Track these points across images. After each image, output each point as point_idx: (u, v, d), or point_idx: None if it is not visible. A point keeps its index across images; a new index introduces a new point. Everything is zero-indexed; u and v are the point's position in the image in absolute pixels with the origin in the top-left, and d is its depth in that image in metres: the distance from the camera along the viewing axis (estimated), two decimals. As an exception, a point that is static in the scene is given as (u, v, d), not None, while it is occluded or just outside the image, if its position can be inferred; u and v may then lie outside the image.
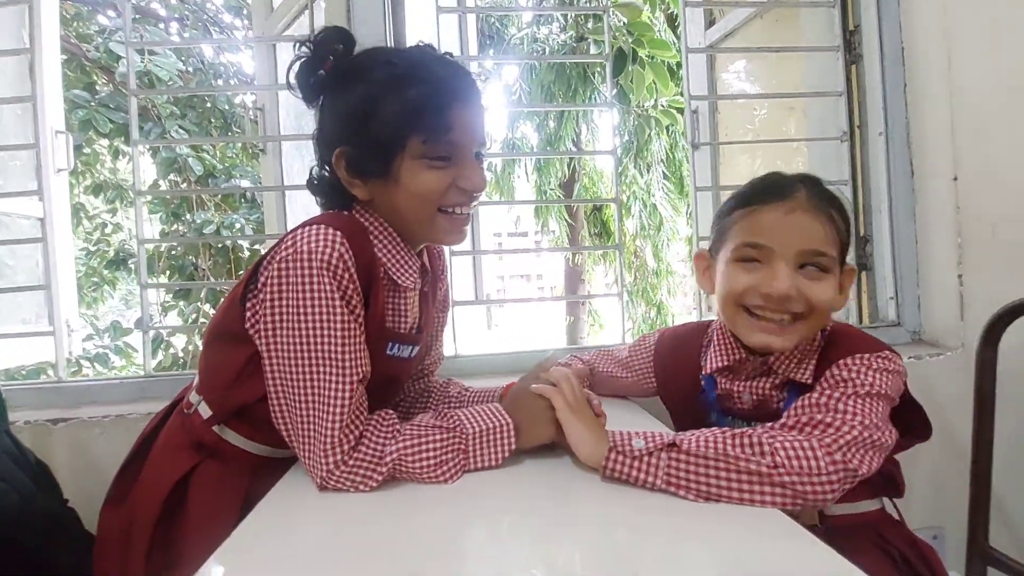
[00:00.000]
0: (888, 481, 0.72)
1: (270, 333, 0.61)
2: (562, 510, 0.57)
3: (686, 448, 0.56)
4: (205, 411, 0.71)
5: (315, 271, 0.59)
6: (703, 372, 0.75)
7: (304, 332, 0.60)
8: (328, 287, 0.60)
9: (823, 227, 0.65)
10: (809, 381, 0.67)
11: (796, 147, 1.50)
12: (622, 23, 3.75)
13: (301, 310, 0.60)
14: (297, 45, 0.68)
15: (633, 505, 0.56)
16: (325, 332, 0.60)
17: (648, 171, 5.32)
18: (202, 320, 3.06)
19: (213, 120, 3.51)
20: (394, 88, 0.64)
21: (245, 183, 3.45)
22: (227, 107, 3.54)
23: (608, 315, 6.51)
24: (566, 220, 5.98)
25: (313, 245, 0.60)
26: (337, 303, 0.60)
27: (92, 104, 2.90)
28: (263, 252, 0.69)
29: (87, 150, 3.71)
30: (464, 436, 0.63)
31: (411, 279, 0.71)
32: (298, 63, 0.68)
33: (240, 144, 3.73)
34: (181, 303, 3.23)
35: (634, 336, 1.00)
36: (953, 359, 1.11)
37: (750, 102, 1.66)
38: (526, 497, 0.60)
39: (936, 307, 1.17)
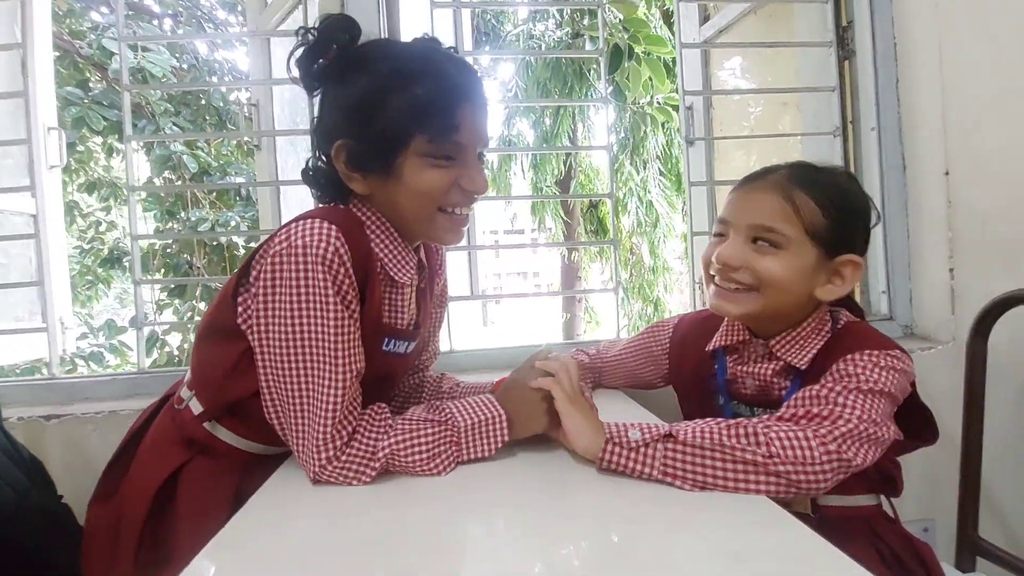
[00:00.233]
0: (886, 480, 0.72)
1: (263, 328, 0.61)
2: (556, 503, 0.58)
3: (682, 439, 0.57)
4: (196, 407, 0.70)
5: (309, 265, 0.59)
6: (708, 348, 0.77)
7: (298, 327, 0.59)
8: (322, 282, 0.59)
9: (778, 204, 0.66)
10: (805, 367, 0.67)
11: (790, 143, 1.51)
12: (618, 20, 3.75)
13: (295, 304, 0.59)
14: (302, 32, 0.66)
15: (627, 497, 0.56)
16: (319, 327, 0.59)
17: (644, 167, 5.32)
18: (197, 318, 3.05)
19: (208, 117, 3.49)
20: (401, 83, 0.63)
21: (240, 180, 3.43)
22: (221, 104, 3.52)
23: (604, 312, 6.52)
24: (562, 218, 5.98)
25: (308, 239, 0.59)
26: (331, 298, 0.59)
27: (85, 101, 2.88)
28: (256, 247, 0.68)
29: (80, 148, 3.69)
30: (456, 428, 0.64)
31: (408, 275, 0.71)
32: (300, 50, 0.66)
33: (235, 141, 3.71)
34: (176, 301, 3.22)
35: (630, 333, 1.00)
36: (944, 353, 1.12)
37: (745, 99, 1.67)
38: (520, 490, 0.60)
39: (927, 301, 1.17)
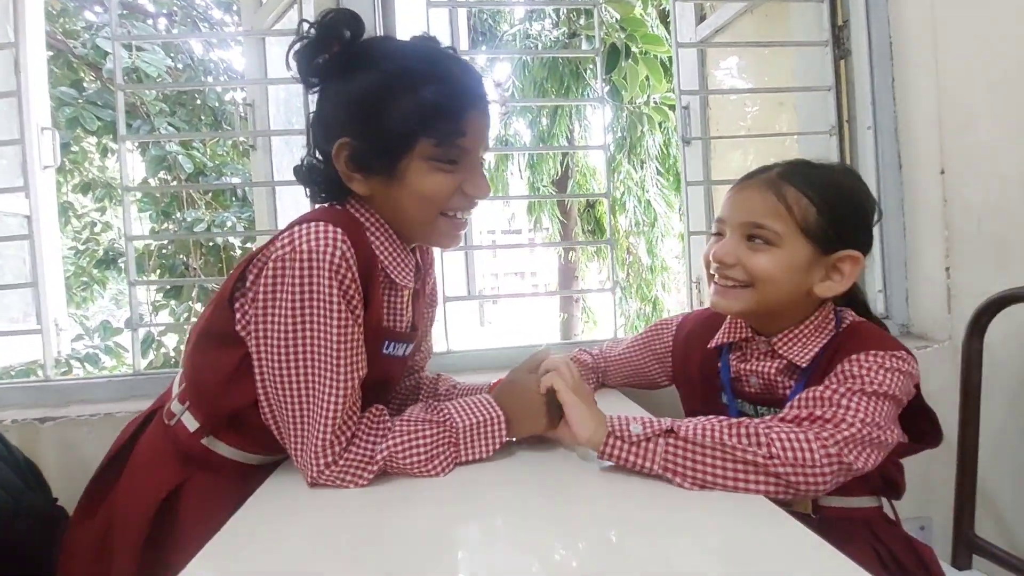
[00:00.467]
0: (888, 483, 0.72)
1: (262, 333, 0.59)
2: (555, 503, 0.58)
3: (683, 435, 0.57)
4: (191, 422, 0.67)
5: (314, 270, 0.58)
6: (710, 345, 0.77)
7: (300, 332, 0.58)
8: (327, 287, 0.58)
9: (768, 201, 0.67)
10: (806, 364, 0.67)
11: (786, 142, 1.51)
12: (614, 19, 3.76)
13: (298, 309, 0.58)
14: (304, 26, 0.64)
15: (626, 497, 0.56)
16: (322, 332, 0.58)
17: (642, 167, 5.32)
18: (194, 319, 3.03)
19: (203, 117, 3.48)
20: (409, 84, 0.62)
21: (236, 181, 3.42)
22: (217, 104, 3.51)
23: (601, 312, 6.52)
24: (558, 218, 5.98)
25: (314, 243, 0.58)
26: (335, 303, 0.58)
27: (80, 101, 2.87)
28: (253, 250, 0.67)
29: (75, 148, 3.67)
30: (455, 429, 0.63)
31: (407, 277, 0.70)
32: (300, 44, 0.64)
33: (230, 141, 3.70)
34: (172, 302, 3.21)
35: (627, 332, 1.00)
36: (940, 351, 1.12)
37: (741, 98, 1.67)
38: (519, 491, 0.60)
39: (924, 300, 1.18)
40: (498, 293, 4.49)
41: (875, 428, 0.57)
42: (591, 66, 4.68)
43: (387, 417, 0.64)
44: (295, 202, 1.44)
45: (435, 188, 0.65)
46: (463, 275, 1.59)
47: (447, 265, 1.18)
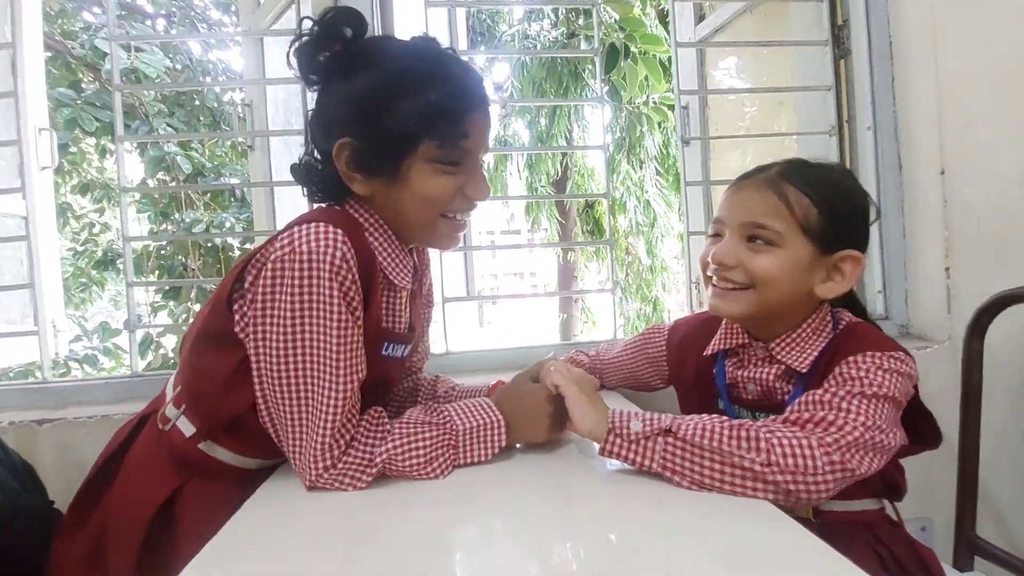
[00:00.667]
0: (889, 485, 0.71)
1: (260, 334, 0.59)
2: (555, 505, 0.57)
3: (682, 435, 0.57)
4: (187, 427, 0.66)
5: (314, 271, 0.57)
6: (706, 352, 0.76)
7: (300, 334, 0.58)
8: (328, 289, 0.58)
9: (769, 200, 0.65)
10: (805, 371, 0.66)
11: (786, 142, 1.51)
12: (614, 19, 3.76)
13: (297, 311, 0.57)
14: (306, 23, 0.64)
15: (626, 499, 0.56)
16: (322, 335, 0.58)
17: (641, 167, 5.32)
18: (192, 320, 3.03)
19: (201, 118, 3.48)
20: (412, 85, 0.61)
21: (234, 181, 3.42)
22: (215, 104, 3.50)
23: (601, 312, 6.52)
24: (557, 219, 5.97)
25: (314, 244, 0.58)
26: (336, 305, 0.58)
27: (78, 102, 2.86)
28: (251, 250, 0.66)
29: (73, 149, 3.66)
30: (454, 432, 0.63)
31: (406, 278, 0.70)
32: (302, 41, 0.63)
33: (229, 142, 3.69)
34: (171, 303, 3.20)
35: (627, 333, 1.00)
36: (940, 352, 1.12)
37: (740, 98, 1.67)
38: (519, 493, 0.60)
39: (924, 300, 1.18)
40: (497, 294, 4.49)
41: (877, 431, 0.56)
42: (590, 66, 4.67)
43: (386, 419, 0.64)
44: (294, 202, 1.43)
45: (437, 190, 0.65)
46: (462, 276, 1.58)
47: (446, 266, 1.18)
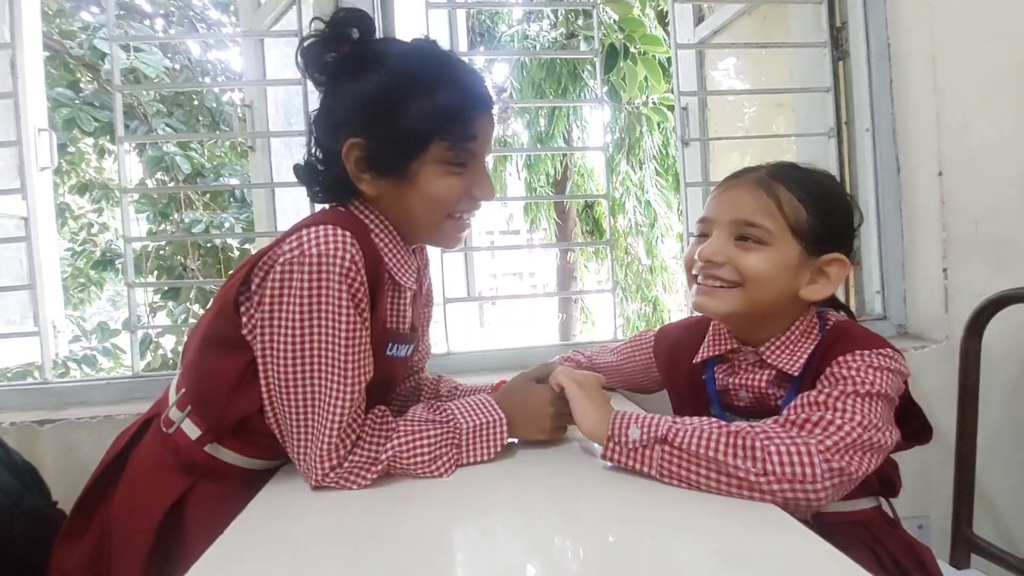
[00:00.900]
0: (884, 482, 0.71)
1: (268, 336, 0.59)
2: (558, 503, 0.58)
3: (678, 444, 0.57)
4: (191, 430, 0.66)
5: (323, 274, 0.58)
6: (695, 360, 0.75)
7: (308, 336, 0.58)
8: (337, 291, 0.58)
9: (760, 199, 0.65)
10: (797, 373, 0.66)
11: (784, 143, 1.52)
12: (613, 20, 3.76)
13: (307, 313, 0.58)
14: (315, 23, 0.64)
15: (627, 499, 0.57)
16: (330, 336, 0.58)
17: (641, 168, 5.33)
18: (192, 320, 3.03)
19: (201, 118, 3.47)
20: (424, 87, 0.62)
21: (234, 182, 3.41)
22: (215, 105, 3.50)
23: (600, 312, 6.53)
24: (555, 220, 5.98)
25: (323, 247, 0.58)
26: (345, 307, 0.58)
27: (76, 102, 2.86)
28: (254, 252, 0.67)
29: (72, 149, 3.66)
30: (458, 431, 0.64)
31: (411, 278, 0.70)
32: (311, 41, 0.64)
33: (228, 142, 3.69)
34: (170, 304, 3.19)
35: (627, 333, 1.00)
36: (938, 351, 1.12)
37: (739, 100, 1.67)
38: (522, 491, 0.60)
39: (921, 300, 1.18)
40: (498, 294, 4.49)
41: (873, 430, 0.57)
42: (589, 67, 4.68)
43: (390, 418, 0.64)
44: (294, 203, 1.44)
45: (445, 190, 0.66)
46: (463, 276, 1.59)
47: (447, 266, 1.18)
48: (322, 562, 0.48)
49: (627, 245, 5.71)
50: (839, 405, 0.58)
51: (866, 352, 0.62)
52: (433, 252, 0.87)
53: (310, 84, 1.10)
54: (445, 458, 0.63)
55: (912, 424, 0.68)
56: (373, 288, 0.63)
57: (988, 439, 0.96)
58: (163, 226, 3.38)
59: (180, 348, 3.20)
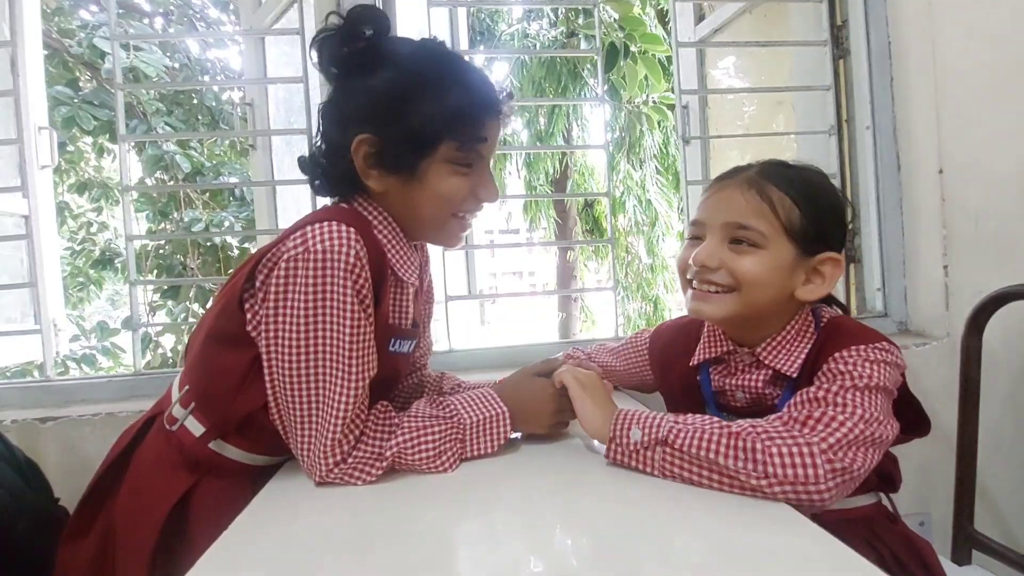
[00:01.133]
0: (884, 478, 0.70)
1: (272, 332, 0.59)
2: (563, 500, 0.58)
3: (679, 446, 0.57)
4: (195, 427, 0.67)
5: (328, 270, 0.58)
6: (691, 363, 0.75)
7: (313, 332, 0.58)
8: (341, 287, 0.58)
9: (752, 201, 0.64)
10: (795, 375, 0.66)
11: (785, 142, 1.52)
12: (613, 18, 3.76)
13: (311, 309, 0.58)
14: (330, 17, 0.65)
15: (629, 493, 0.57)
16: (335, 333, 0.58)
17: (641, 166, 5.34)
18: (192, 319, 3.03)
19: (200, 117, 3.46)
20: (438, 86, 0.63)
21: (235, 180, 3.41)
22: (214, 104, 3.49)
23: (600, 311, 6.53)
24: (555, 219, 5.98)
25: (328, 243, 0.58)
26: (349, 303, 0.59)
27: (76, 101, 2.85)
28: (256, 250, 0.67)
29: (71, 148, 3.65)
30: (461, 426, 0.64)
31: (414, 274, 0.71)
32: (326, 35, 0.65)
33: (228, 141, 3.68)
34: (170, 303, 3.19)
35: (627, 332, 1.00)
36: (939, 348, 1.13)
37: (739, 98, 1.68)
38: (526, 489, 0.60)
39: (922, 297, 1.19)
40: (500, 292, 4.51)
41: (875, 424, 0.56)
42: (589, 65, 4.68)
43: (393, 413, 0.65)
44: (295, 201, 1.44)
45: (452, 190, 0.66)
46: (464, 274, 1.59)
47: (449, 265, 1.18)
48: (326, 557, 0.48)
49: (628, 244, 5.72)
50: (839, 400, 0.57)
51: (862, 347, 0.62)
52: (434, 251, 0.87)
53: (312, 81, 1.10)
54: (449, 453, 0.63)
55: (910, 417, 0.68)
56: (376, 284, 0.63)
57: (989, 435, 0.96)
58: (163, 225, 3.38)
59: (180, 347, 3.21)
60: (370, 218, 0.68)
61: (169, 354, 3.24)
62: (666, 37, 3.81)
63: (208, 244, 3.17)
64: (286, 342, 0.59)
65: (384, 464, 0.60)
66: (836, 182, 1.25)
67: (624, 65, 3.47)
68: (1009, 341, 1.03)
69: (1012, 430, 1.07)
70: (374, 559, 0.47)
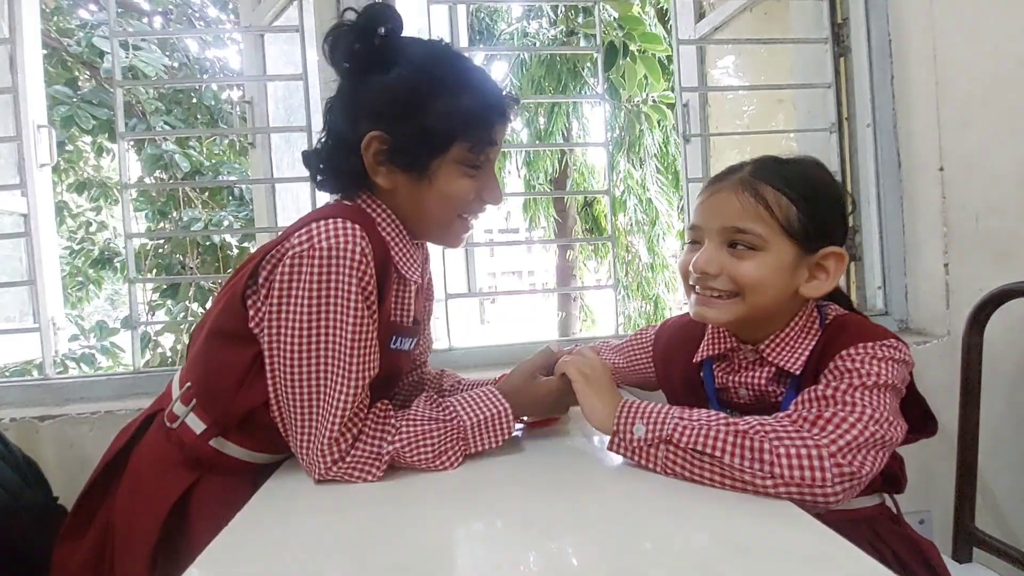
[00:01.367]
0: (889, 478, 0.70)
1: (275, 328, 0.59)
2: (564, 499, 0.58)
3: (684, 444, 0.57)
4: (196, 424, 0.66)
5: (333, 267, 0.58)
6: (695, 360, 0.74)
7: (316, 329, 0.58)
8: (347, 284, 0.58)
9: (746, 203, 0.63)
10: (799, 372, 0.65)
11: (785, 140, 1.52)
12: (612, 17, 3.76)
13: (315, 306, 0.58)
14: (346, 13, 0.65)
15: (637, 493, 0.57)
16: (338, 330, 0.58)
17: (641, 165, 5.34)
18: (191, 319, 3.02)
19: (199, 116, 3.46)
20: (452, 88, 0.64)
21: (235, 178, 3.40)
22: (213, 103, 3.49)
23: (600, 310, 6.53)
24: (554, 217, 5.98)
25: (334, 240, 0.58)
26: (355, 301, 0.59)
27: (74, 100, 2.84)
28: (260, 246, 0.66)
29: (69, 147, 3.64)
30: (462, 427, 0.64)
31: (417, 272, 0.71)
32: (341, 30, 0.65)
33: (227, 141, 3.68)
34: (168, 302, 3.18)
35: (627, 331, 1.00)
36: (939, 347, 1.13)
37: (740, 97, 1.67)
38: (528, 488, 0.60)
39: (923, 296, 1.19)
40: (500, 290, 4.53)
41: (885, 425, 0.55)
42: (589, 64, 4.68)
43: (392, 413, 0.64)
44: (295, 199, 1.43)
45: (460, 191, 0.67)
46: (464, 273, 1.59)
47: (449, 264, 1.18)
48: (326, 555, 0.47)
49: (628, 243, 5.72)
50: (848, 399, 0.56)
51: (869, 344, 0.61)
52: (434, 249, 0.87)
53: (312, 79, 1.10)
54: (449, 453, 0.63)
55: (917, 416, 0.67)
56: (380, 282, 0.63)
57: (990, 433, 0.96)
58: (162, 224, 3.37)
59: (179, 347, 3.21)
60: (374, 215, 0.68)
61: (168, 353, 3.24)
62: (666, 36, 3.81)
63: (207, 243, 3.17)
64: (288, 338, 0.59)
65: (383, 464, 0.60)
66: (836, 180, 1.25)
67: (623, 64, 3.47)
68: (1010, 338, 1.03)
69: (1013, 427, 1.07)
70: (373, 557, 0.47)
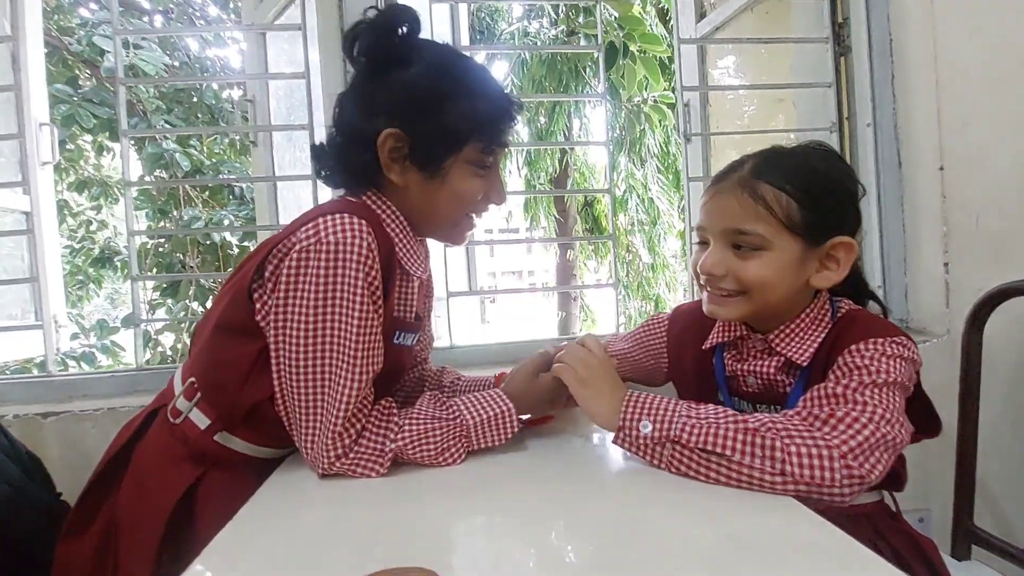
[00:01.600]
0: (891, 477, 0.69)
1: (281, 322, 0.60)
2: (568, 496, 0.58)
3: (692, 443, 0.57)
4: (200, 419, 0.67)
5: (340, 262, 0.58)
6: (704, 346, 0.75)
7: (322, 323, 0.59)
8: (353, 279, 0.59)
9: (746, 204, 0.63)
10: (806, 363, 0.65)
11: (785, 139, 1.52)
12: (613, 17, 3.76)
13: (321, 300, 0.58)
14: (368, 11, 0.67)
15: (640, 491, 0.57)
16: (343, 325, 0.59)
17: (642, 165, 5.34)
18: (191, 317, 3.02)
19: (200, 115, 3.46)
20: (468, 89, 0.66)
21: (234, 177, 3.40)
22: (214, 102, 3.49)
23: (600, 310, 6.53)
24: (555, 217, 5.98)
25: (341, 235, 0.59)
26: (360, 296, 0.59)
27: (75, 99, 2.85)
28: (265, 240, 0.66)
29: (70, 146, 3.64)
30: (465, 426, 0.64)
31: (421, 268, 0.72)
32: (365, 26, 0.66)
33: (228, 140, 3.68)
34: (169, 301, 3.18)
35: (627, 330, 1.00)
36: (939, 346, 1.13)
37: (740, 97, 1.68)
38: (532, 484, 0.60)
39: (923, 295, 1.19)
40: (501, 289, 4.54)
41: (894, 425, 0.55)
42: (589, 64, 4.68)
43: (395, 411, 0.65)
44: (296, 198, 1.44)
45: (471, 190, 0.68)
46: (465, 272, 1.59)
47: (450, 262, 1.18)
48: (330, 549, 0.48)
49: (628, 243, 5.72)
50: (858, 398, 0.56)
51: (879, 340, 0.60)
52: (435, 248, 0.88)
53: (314, 77, 1.10)
54: (453, 450, 0.63)
55: (921, 416, 0.67)
56: (385, 277, 0.64)
57: (989, 431, 0.96)
58: (162, 223, 3.38)
59: (179, 346, 3.21)
60: (379, 211, 0.68)
61: (168, 352, 3.24)
62: (666, 36, 3.81)
63: (208, 242, 3.17)
64: (294, 332, 0.59)
65: (386, 460, 0.61)
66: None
67: (623, 65, 3.47)
68: (1009, 338, 1.03)
69: (1012, 426, 1.07)
70: (377, 552, 0.47)
